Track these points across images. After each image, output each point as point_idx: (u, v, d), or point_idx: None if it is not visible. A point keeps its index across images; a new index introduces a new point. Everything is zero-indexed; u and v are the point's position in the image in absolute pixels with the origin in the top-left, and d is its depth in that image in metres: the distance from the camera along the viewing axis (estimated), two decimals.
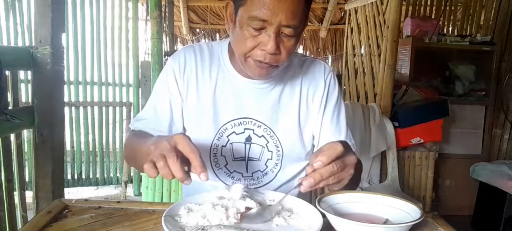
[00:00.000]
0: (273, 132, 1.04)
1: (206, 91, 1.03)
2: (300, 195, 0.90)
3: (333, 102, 1.08)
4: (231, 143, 1.03)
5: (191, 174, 0.75)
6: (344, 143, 0.80)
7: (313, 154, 0.83)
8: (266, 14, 0.84)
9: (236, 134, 1.03)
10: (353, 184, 1.00)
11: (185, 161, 0.74)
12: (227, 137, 1.03)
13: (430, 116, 2.96)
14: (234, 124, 1.03)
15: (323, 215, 0.77)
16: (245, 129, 1.03)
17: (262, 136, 1.04)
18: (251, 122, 1.03)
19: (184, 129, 1.07)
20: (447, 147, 3.33)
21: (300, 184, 0.76)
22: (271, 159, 1.05)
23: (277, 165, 1.06)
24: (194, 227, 0.73)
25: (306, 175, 0.76)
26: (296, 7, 0.85)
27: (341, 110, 1.10)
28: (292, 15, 0.85)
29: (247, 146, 1.04)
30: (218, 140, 1.03)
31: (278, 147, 1.05)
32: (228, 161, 1.05)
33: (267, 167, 1.06)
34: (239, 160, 1.05)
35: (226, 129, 1.03)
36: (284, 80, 1.05)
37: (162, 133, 1.02)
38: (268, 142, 1.04)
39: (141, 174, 3.50)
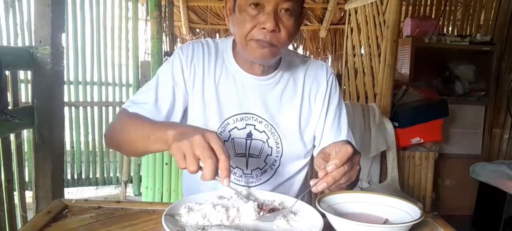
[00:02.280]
0: (274, 128, 1.04)
1: (210, 86, 1.04)
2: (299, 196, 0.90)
3: (335, 103, 1.10)
4: (233, 138, 1.04)
5: None
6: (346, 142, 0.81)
7: (318, 155, 0.85)
8: None
9: (238, 129, 1.04)
10: (352, 185, 1.01)
11: None
12: (229, 131, 1.04)
13: (430, 116, 2.96)
14: (236, 119, 1.04)
15: (323, 215, 0.77)
16: (246, 124, 1.04)
17: (263, 131, 1.04)
18: (252, 117, 1.04)
19: (182, 121, 1.07)
20: (447, 147, 3.32)
21: (311, 186, 0.78)
22: (271, 155, 1.06)
23: (276, 162, 1.07)
24: (194, 227, 0.73)
25: (317, 177, 0.78)
26: None
27: (342, 111, 1.11)
28: None
29: (248, 141, 1.05)
30: (220, 134, 1.03)
31: (278, 144, 1.05)
32: (230, 156, 1.05)
33: (266, 164, 1.06)
34: (240, 155, 1.05)
35: (228, 123, 1.03)
36: (287, 78, 1.07)
37: (160, 119, 1.01)
38: (268, 137, 1.05)
39: (141, 173, 3.50)
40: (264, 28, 0.90)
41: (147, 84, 1.06)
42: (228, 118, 1.03)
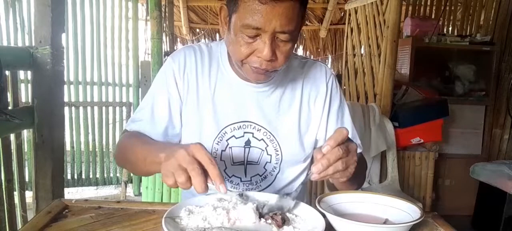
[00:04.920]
0: (273, 136, 1.02)
1: (205, 94, 1.02)
2: (300, 197, 0.90)
3: (336, 105, 1.08)
4: (231, 147, 1.02)
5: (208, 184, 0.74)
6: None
7: (317, 148, 0.83)
8: (260, 21, 0.82)
9: (236, 138, 1.02)
10: (358, 181, 1.00)
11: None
12: (227, 140, 1.01)
13: (430, 116, 2.96)
14: (234, 127, 1.01)
15: (323, 215, 0.77)
16: (244, 132, 1.02)
17: (262, 139, 1.02)
18: (250, 125, 1.02)
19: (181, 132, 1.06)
20: (447, 147, 3.32)
21: (310, 173, 0.77)
22: (270, 162, 1.04)
23: (275, 169, 1.05)
24: (194, 229, 0.73)
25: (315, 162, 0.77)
26: (290, 13, 0.82)
27: (345, 112, 1.09)
28: (286, 21, 0.82)
29: (246, 149, 1.02)
30: (217, 144, 1.01)
31: (277, 150, 1.03)
32: (227, 165, 1.03)
33: (266, 170, 1.05)
34: (238, 164, 1.04)
35: (226, 132, 1.01)
36: (285, 83, 1.04)
37: (158, 135, 1.00)
38: (267, 145, 1.03)
39: None
40: (259, 57, 0.86)
41: (144, 99, 1.05)
42: (226, 127, 1.01)
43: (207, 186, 0.72)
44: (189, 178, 0.71)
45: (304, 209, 0.83)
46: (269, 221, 0.76)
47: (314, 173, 0.76)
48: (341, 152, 0.75)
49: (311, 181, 2.65)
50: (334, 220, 0.75)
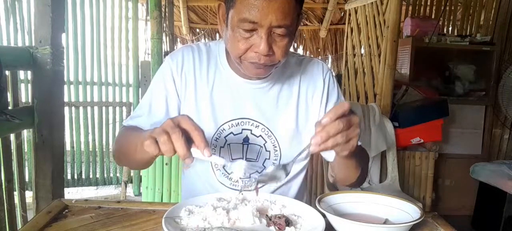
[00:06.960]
0: (271, 132, 1.03)
1: (203, 92, 1.03)
2: (300, 197, 0.89)
3: (334, 100, 1.09)
4: (229, 144, 1.03)
5: (193, 150, 0.75)
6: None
7: (317, 121, 0.83)
8: (256, 16, 0.83)
9: (234, 135, 1.03)
10: (361, 173, 0.99)
11: (188, 141, 0.74)
12: (225, 137, 1.02)
13: (430, 116, 2.96)
14: (232, 124, 1.02)
15: (323, 215, 0.77)
16: (242, 129, 1.03)
17: (260, 136, 1.03)
18: (248, 122, 1.03)
19: None
20: (447, 147, 3.32)
21: (309, 145, 0.75)
22: (269, 159, 1.05)
23: (274, 165, 1.06)
24: (194, 229, 0.73)
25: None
26: (286, 7, 0.84)
27: None
28: (282, 15, 0.84)
29: (245, 146, 1.03)
30: (216, 141, 1.02)
31: (276, 146, 1.04)
32: (226, 162, 1.04)
33: (265, 167, 1.05)
34: (236, 161, 1.04)
35: (224, 129, 1.02)
36: (282, 80, 1.05)
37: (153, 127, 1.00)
38: (266, 141, 1.04)
39: (141, 174, 3.50)
40: (257, 52, 0.87)
41: (142, 99, 1.07)
42: (224, 124, 1.02)
43: (189, 151, 0.73)
44: (171, 142, 0.72)
45: (304, 209, 0.83)
46: (272, 227, 0.76)
47: (312, 145, 0.75)
48: (341, 125, 0.74)
49: (311, 181, 2.65)
50: (334, 220, 0.75)
